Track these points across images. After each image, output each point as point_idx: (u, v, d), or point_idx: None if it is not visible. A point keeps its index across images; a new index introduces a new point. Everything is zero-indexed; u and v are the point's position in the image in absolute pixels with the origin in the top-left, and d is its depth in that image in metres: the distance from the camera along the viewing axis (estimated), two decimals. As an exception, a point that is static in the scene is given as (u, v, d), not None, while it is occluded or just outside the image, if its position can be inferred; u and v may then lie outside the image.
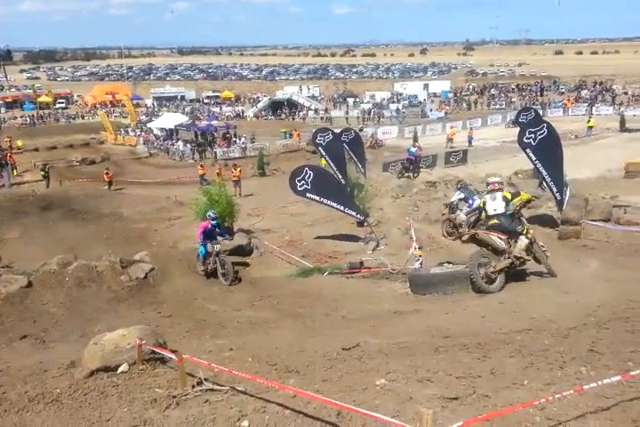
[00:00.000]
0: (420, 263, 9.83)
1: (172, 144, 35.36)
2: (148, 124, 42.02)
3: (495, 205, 7.86)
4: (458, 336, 5.71)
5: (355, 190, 17.47)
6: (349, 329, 6.64)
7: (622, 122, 36.58)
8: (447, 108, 52.09)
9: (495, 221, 7.76)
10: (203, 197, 14.01)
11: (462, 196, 11.18)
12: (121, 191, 22.76)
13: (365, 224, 13.78)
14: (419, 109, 52.07)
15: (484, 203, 8.07)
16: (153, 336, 5.35)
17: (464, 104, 54.61)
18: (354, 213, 13.60)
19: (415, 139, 35.62)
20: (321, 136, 18.36)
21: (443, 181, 18.86)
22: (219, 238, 10.97)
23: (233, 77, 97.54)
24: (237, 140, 35.40)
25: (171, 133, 37.45)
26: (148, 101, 66.93)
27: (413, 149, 23.50)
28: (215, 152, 33.13)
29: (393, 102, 56.57)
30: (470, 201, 10.30)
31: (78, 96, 73.05)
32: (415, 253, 10.26)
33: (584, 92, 53.80)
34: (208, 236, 10.87)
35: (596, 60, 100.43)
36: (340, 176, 16.81)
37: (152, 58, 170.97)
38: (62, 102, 65.97)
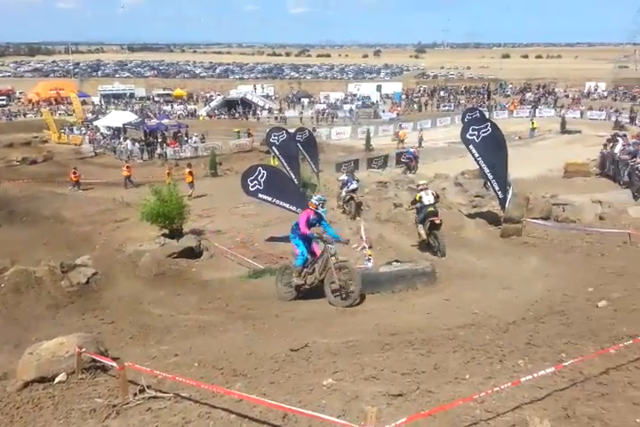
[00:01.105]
0: (371, 262, 9.97)
1: (120, 143, 34.23)
2: (95, 123, 40.51)
3: (429, 198, 10.78)
4: (404, 333, 5.81)
5: (307, 190, 17.53)
6: (299, 330, 6.62)
7: (563, 124, 38.44)
8: (399, 109, 53.04)
9: (432, 209, 10.63)
10: (152, 198, 13.65)
11: (346, 178, 15.23)
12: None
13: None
14: (371, 110, 52.77)
15: (420, 197, 10.86)
16: (93, 344, 5.16)
17: (415, 106, 55.76)
18: (307, 214, 13.58)
19: (368, 140, 36.11)
20: (275, 135, 18.33)
21: (394, 181, 19.20)
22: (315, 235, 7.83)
23: (185, 75, 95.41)
24: (189, 140, 34.75)
25: (118, 132, 36.27)
26: (95, 99, 64.52)
27: (412, 150, 27.41)
28: (165, 152, 32.36)
29: (346, 103, 57.05)
30: (349, 183, 14.76)
31: (21, 93, 69.50)
32: (365, 253, 10.40)
33: (528, 95, 56.10)
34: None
35: (540, 64, 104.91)
36: (294, 176, 16.82)
37: (101, 54, 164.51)
38: (3, 99, 62.64)
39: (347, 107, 54.16)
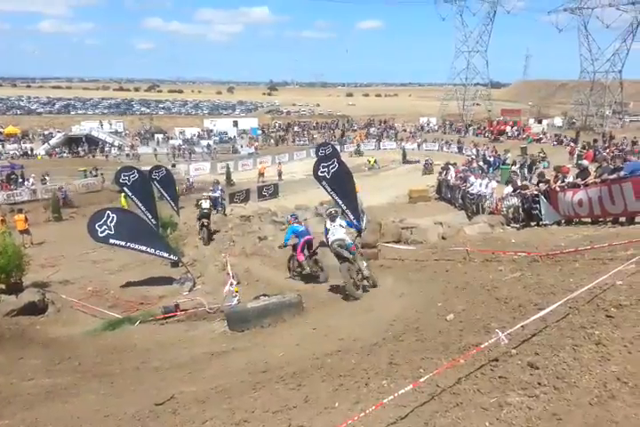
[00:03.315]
0: (238, 300, 9.77)
1: (-62, 189, 29.54)
2: None
3: (206, 205, 16.30)
4: (275, 369, 5.73)
5: (168, 230, 16.79)
6: (163, 381, 6.16)
7: (404, 155, 42.59)
8: (256, 143, 54.03)
9: (206, 211, 16.08)
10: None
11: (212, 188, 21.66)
12: None
13: (180, 264, 13.27)
14: (230, 145, 53.02)
15: (201, 203, 16.51)
16: None
17: (272, 140, 57.32)
18: (166, 255, 13.01)
19: (228, 175, 36.07)
20: (125, 175, 17.25)
21: (257, 214, 19.30)
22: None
23: (19, 111, 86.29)
24: (25, 182, 31.30)
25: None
26: None
27: (429, 159, 35.68)
28: (-3, 196, 28.70)
29: (203, 139, 56.53)
30: (214, 191, 21.10)
31: None
32: (232, 290, 10.19)
33: (372, 130, 61.16)
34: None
35: (380, 102, 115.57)
36: (150, 216, 16.02)
37: None
38: None
39: (204, 142, 53.69)
